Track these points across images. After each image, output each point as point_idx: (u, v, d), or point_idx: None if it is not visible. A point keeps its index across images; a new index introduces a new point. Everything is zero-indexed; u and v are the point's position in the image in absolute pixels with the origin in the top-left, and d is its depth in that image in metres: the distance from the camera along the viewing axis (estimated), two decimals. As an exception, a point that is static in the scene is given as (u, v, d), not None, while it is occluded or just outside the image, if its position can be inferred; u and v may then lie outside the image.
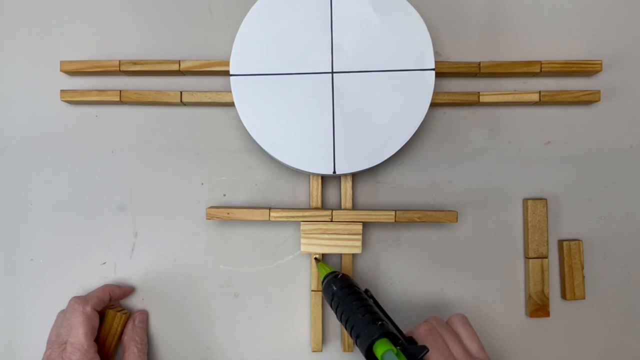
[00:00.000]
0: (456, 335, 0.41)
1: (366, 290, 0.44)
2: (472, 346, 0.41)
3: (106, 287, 0.49)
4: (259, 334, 0.50)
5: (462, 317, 0.43)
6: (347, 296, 0.42)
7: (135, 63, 0.49)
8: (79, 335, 0.43)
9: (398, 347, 0.37)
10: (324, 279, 0.46)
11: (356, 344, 0.40)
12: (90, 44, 0.51)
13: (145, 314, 0.50)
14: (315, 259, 0.48)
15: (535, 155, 0.51)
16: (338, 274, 0.45)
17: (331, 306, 0.44)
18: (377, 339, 0.38)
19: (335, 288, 0.44)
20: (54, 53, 0.51)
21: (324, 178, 0.50)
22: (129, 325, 0.48)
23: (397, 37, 0.45)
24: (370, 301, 0.43)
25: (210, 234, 0.51)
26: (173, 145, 0.51)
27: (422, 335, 0.40)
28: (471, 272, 0.50)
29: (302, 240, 0.47)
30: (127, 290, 0.50)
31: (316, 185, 0.49)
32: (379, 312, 0.42)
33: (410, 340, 0.40)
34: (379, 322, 0.39)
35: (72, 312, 0.45)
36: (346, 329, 0.42)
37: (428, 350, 0.37)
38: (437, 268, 0.51)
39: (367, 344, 0.38)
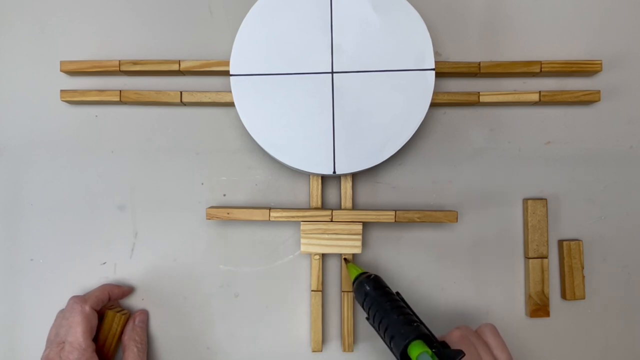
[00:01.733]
0: (486, 345, 0.42)
1: (397, 293, 0.44)
2: (501, 356, 0.41)
3: (105, 286, 0.49)
4: (259, 334, 0.50)
5: (492, 328, 0.43)
6: (381, 297, 0.43)
7: (135, 63, 0.49)
8: (77, 335, 0.43)
9: (433, 350, 0.37)
10: (355, 279, 0.45)
11: (390, 345, 0.40)
12: (90, 44, 0.51)
13: (145, 314, 0.50)
14: (345, 259, 0.48)
15: (535, 155, 0.51)
16: (370, 275, 0.45)
17: (362, 306, 0.44)
18: (412, 340, 0.38)
19: (368, 288, 0.44)
20: (54, 53, 0.51)
21: (324, 178, 0.50)
22: (129, 325, 0.48)
23: (397, 37, 0.45)
24: (403, 303, 0.43)
25: (210, 234, 0.51)
26: (173, 145, 0.51)
27: (455, 341, 0.41)
28: (471, 272, 0.50)
29: (302, 240, 0.47)
30: (127, 290, 0.50)
31: (316, 185, 0.49)
32: (413, 314, 0.42)
33: (444, 345, 0.40)
34: (415, 324, 0.40)
35: (71, 312, 0.45)
36: (378, 329, 0.42)
37: (464, 355, 0.37)
38: (437, 268, 0.51)
39: (402, 345, 0.38)
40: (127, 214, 0.51)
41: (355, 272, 0.46)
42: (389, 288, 0.44)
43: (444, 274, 0.50)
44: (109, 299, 0.48)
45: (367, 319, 0.44)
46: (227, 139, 0.51)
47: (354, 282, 0.46)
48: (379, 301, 0.42)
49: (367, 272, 0.46)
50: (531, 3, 0.51)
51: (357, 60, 0.46)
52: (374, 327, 0.43)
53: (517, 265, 0.51)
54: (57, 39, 0.51)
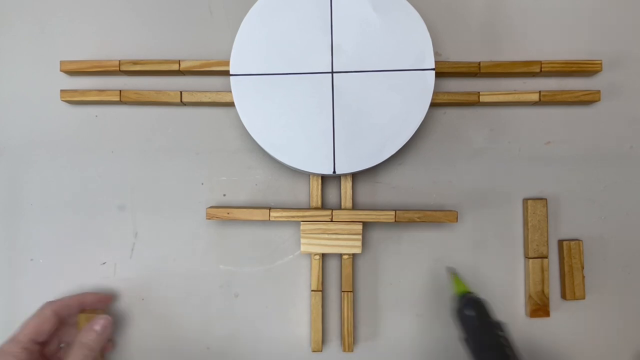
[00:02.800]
0: None
1: (500, 324, 0.43)
2: None
3: (79, 294, 0.47)
4: (259, 334, 0.50)
5: None
6: (482, 327, 0.42)
7: (135, 63, 0.49)
8: (21, 330, 0.42)
9: None
10: (459, 296, 0.45)
11: None
12: (90, 44, 0.51)
13: (107, 320, 0.45)
14: (451, 271, 0.48)
15: (535, 155, 0.51)
16: (476, 299, 0.44)
17: (459, 326, 0.44)
18: None
19: (471, 314, 0.43)
20: (54, 53, 0.51)
21: (324, 178, 0.50)
22: (87, 326, 0.44)
23: (397, 37, 0.45)
24: (504, 340, 0.42)
25: (210, 234, 0.51)
26: (173, 145, 0.51)
27: None
28: (471, 272, 0.50)
29: (302, 240, 0.47)
30: (104, 297, 0.48)
31: (316, 185, 0.49)
32: (513, 355, 0.41)
33: None
34: None
35: (34, 313, 0.44)
36: (471, 358, 0.42)
37: None
38: (437, 268, 0.50)
39: None
40: (127, 214, 0.51)
41: (460, 288, 0.46)
42: (493, 317, 0.43)
43: (444, 274, 0.50)
44: (82, 306, 0.47)
45: (462, 339, 0.43)
46: (227, 139, 0.51)
47: (457, 298, 0.45)
48: (480, 332, 0.42)
49: (472, 294, 0.45)
50: (531, 3, 0.51)
51: (357, 60, 0.46)
52: (467, 352, 0.42)
53: (517, 265, 0.51)
54: (57, 39, 0.51)
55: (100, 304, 0.48)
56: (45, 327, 0.44)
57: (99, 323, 0.44)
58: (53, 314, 0.44)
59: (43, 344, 0.44)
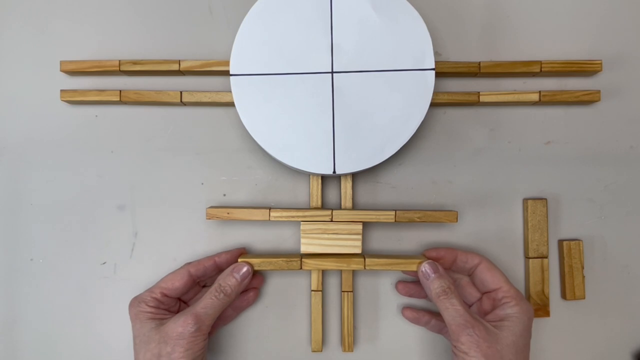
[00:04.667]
0: None
1: None
2: None
3: (214, 255, 0.48)
4: (259, 334, 0.50)
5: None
6: None
7: (135, 63, 0.49)
8: (157, 283, 0.46)
9: None
10: None
11: None
12: (90, 44, 0.51)
13: (248, 270, 0.46)
14: None
15: (535, 155, 0.51)
16: None
17: None
18: None
19: None
20: (54, 53, 0.51)
21: (324, 178, 0.50)
22: (227, 270, 0.45)
23: (397, 37, 0.45)
24: None
25: (210, 234, 0.51)
26: (173, 145, 0.51)
27: None
28: (471, 272, 0.50)
29: (302, 240, 0.47)
30: (237, 252, 0.49)
31: (316, 185, 0.49)
32: None
33: None
34: None
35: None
36: None
37: None
38: (437, 268, 0.50)
39: None
40: (126, 214, 0.51)
41: None
42: None
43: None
44: (218, 266, 0.47)
45: None
46: (227, 139, 0.51)
47: None
48: None
49: None
50: (531, 3, 0.51)
51: (357, 60, 0.46)
52: None
53: (517, 265, 0.51)
54: (57, 39, 0.51)
55: (235, 260, 0.48)
56: (177, 284, 0.46)
57: (241, 270, 0.45)
58: (187, 274, 0.46)
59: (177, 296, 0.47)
